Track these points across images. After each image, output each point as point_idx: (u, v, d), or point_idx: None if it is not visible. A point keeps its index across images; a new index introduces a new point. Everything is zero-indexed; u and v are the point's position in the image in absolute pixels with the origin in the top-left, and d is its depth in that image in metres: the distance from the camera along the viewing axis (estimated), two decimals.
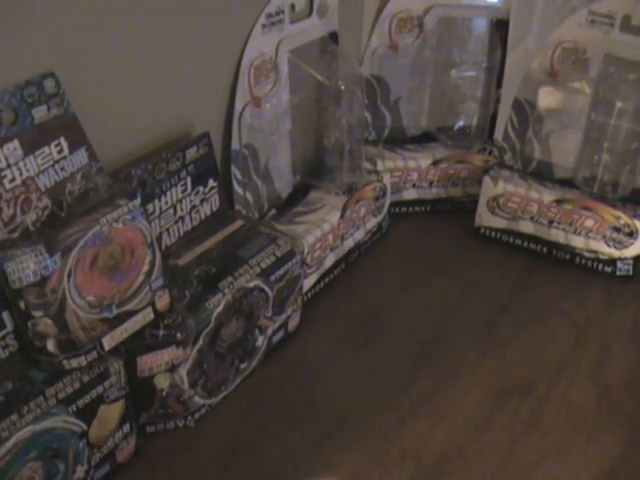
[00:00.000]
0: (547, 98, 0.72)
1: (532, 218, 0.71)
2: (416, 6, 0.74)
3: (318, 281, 0.66)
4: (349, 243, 0.69)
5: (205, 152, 0.55)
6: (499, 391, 0.57)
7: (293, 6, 0.62)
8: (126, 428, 0.48)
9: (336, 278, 0.69)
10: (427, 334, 0.63)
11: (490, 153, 0.77)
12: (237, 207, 0.62)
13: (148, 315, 0.47)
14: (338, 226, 0.66)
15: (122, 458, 0.48)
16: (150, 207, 0.51)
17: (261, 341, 0.57)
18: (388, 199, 0.74)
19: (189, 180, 0.54)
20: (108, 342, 0.44)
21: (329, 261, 0.66)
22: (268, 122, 0.63)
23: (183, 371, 0.50)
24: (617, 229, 0.67)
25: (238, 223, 0.59)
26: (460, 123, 0.78)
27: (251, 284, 0.53)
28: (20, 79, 0.40)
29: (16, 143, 0.40)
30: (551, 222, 0.70)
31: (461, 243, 0.75)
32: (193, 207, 0.56)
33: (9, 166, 0.40)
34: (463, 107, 0.78)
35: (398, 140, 0.79)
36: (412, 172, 0.76)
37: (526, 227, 0.72)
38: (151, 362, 0.48)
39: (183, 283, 0.51)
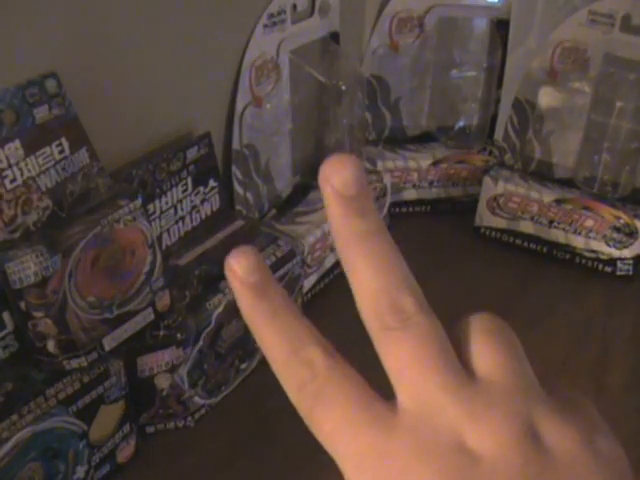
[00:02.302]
0: (547, 98, 0.72)
1: (532, 218, 0.71)
2: (416, 6, 0.74)
3: (318, 281, 0.66)
4: None
5: (206, 152, 0.55)
6: None
7: (295, 6, 0.62)
8: (126, 428, 0.48)
9: (336, 278, 0.68)
10: None
11: (490, 153, 0.77)
12: (238, 207, 0.62)
13: (148, 315, 0.47)
14: None
15: (122, 458, 0.48)
16: (151, 207, 0.51)
17: None
18: (388, 199, 0.74)
19: (190, 180, 0.54)
20: (108, 342, 0.44)
21: (329, 261, 0.66)
22: (269, 122, 0.63)
23: (183, 371, 0.50)
24: (617, 229, 0.67)
25: (238, 223, 0.59)
26: (460, 123, 0.78)
27: None
28: (21, 79, 0.40)
29: (17, 143, 0.40)
30: (551, 222, 0.70)
31: (461, 243, 0.75)
32: (194, 207, 0.56)
33: (10, 166, 0.40)
34: (463, 107, 0.78)
35: (398, 140, 0.79)
36: (412, 172, 0.76)
37: (526, 227, 0.72)
38: (151, 362, 0.48)
39: (183, 283, 0.51)
